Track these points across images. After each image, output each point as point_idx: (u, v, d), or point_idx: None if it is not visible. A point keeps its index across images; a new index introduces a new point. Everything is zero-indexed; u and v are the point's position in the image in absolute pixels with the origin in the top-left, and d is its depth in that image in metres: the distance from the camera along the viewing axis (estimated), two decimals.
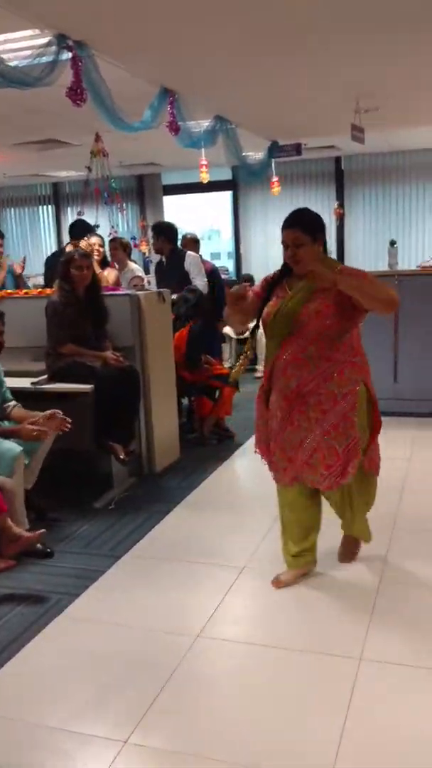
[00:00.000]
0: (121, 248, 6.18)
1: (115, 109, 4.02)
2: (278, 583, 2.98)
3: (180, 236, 6.59)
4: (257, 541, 3.45)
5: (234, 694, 2.32)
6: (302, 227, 2.70)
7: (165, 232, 5.90)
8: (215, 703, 2.28)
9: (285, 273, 2.84)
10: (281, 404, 2.79)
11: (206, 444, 5.18)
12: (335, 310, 2.69)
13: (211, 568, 3.20)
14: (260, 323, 2.87)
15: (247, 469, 4.83)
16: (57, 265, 4.34)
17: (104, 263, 5.42)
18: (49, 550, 3.22)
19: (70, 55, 3.50)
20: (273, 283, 2.88)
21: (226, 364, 7.87)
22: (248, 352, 3.04)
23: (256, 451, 3.02)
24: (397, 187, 9.30)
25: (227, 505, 4.01)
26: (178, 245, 6.09)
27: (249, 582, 3.06)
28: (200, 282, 5.77)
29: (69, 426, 3.48)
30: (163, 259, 5.97)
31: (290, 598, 2.91)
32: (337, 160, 9.49)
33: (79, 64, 3.51)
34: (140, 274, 6.24)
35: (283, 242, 2.74)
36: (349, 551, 3.18)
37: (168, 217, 10.93)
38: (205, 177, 6.11)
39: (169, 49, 4.06)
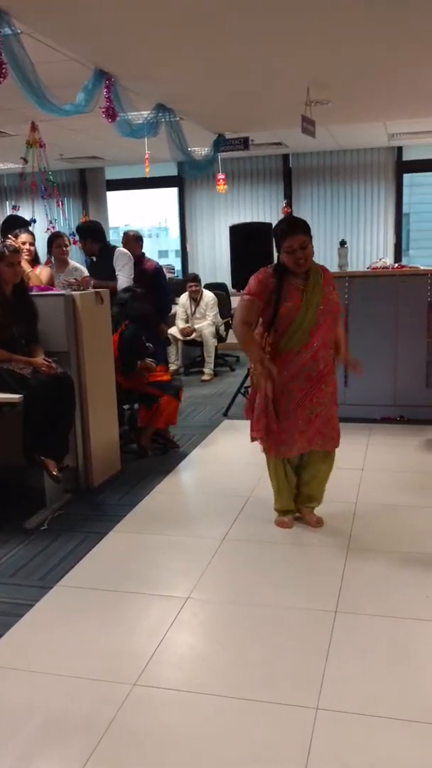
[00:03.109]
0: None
1: (42, 89, 3.65)
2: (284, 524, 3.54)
3: (122, 233, 6.28)
4: (203, 565, 3.15)
5: (177, 754, 2.01)
6: (304, 231, 3.17)
7: (90, 233, 5.65)
8: (155, 765, 1.97)
9: (281, 275, 3.21)
10: (302, 386, 3.27)
11: (146, 456, 4.86)
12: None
13: (151, 600, 2.89)
14: (275, 323, 3.22)
15: (191, 483, 4.53)
16: None
17: (35, 261, 5.02)
18: None
19: None
20: (278, 286, 3.19)
21: (173, 367, 7.59)
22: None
23: (254, 439, 3.42)
24: (346, 186, 9.15)
25: (170, 524, 3.69)
26: (108, 242, 5.84)
27: (194, 616, 2.76)
28: (123, 277, 5.46)
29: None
30: (93, 259, 5.69)
31: (239, 636, 2.62)
32: (285, 157, 9.29)
33: None
34: (87, 273, 5.85)
35: (289, 247, 3.14)
36: (316, 518, 3.54)
37: (113, 213, 10.57)
38: (147, 170, 5.78)
39: (101, 26, 3.71)
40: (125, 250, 5.71)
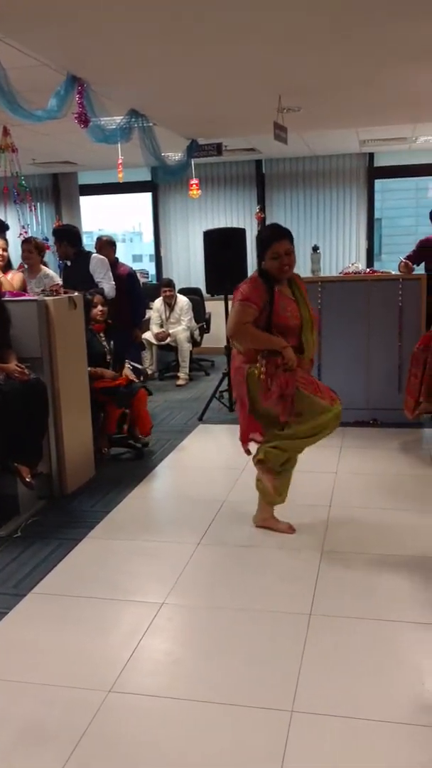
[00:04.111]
0: (36, 251, 5.73)
1: (14, 94, 3.63)
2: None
3: (96, 238, 6.27)
4: (178, 571, 3.15)
5: (153, 759, 2.01)
6: (289, 238, 3.26)
7: (66, 236, 5.67)
8: None
9: (268, 282, 3.23)
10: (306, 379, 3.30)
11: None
12: None
13: (125, 606, 2.88)
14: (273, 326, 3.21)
15: (166, 488, 4.53)
16: None
17: (7, 267, 4.99)
18: None
19: None
20: (269, 292, 3.20)
21: (149, 371, 7.58)
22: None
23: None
24: (319, 192, 9.23)
25: (144, 529, 3.69)
26: (83, 247, 5.87)
27: (168, 621, 2.76)
28: (107, 284, 5.48)
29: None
30: (68, 263, 5.70)
31: (214, 640, 2.63)
32: (258, 163, 9.34)
33: None
34: (59, 281, 5.82)
35: (275, 253, 3.20)
36: (287, 524, 3.54)
37: (86, 218, 10.53)
38: (121, 176, 5.77)
39: (73, 32, 3.70)
40: (102, 256, 5.72)
